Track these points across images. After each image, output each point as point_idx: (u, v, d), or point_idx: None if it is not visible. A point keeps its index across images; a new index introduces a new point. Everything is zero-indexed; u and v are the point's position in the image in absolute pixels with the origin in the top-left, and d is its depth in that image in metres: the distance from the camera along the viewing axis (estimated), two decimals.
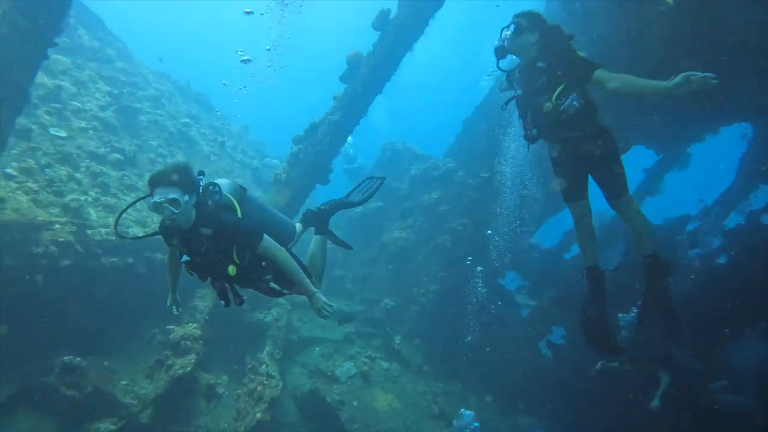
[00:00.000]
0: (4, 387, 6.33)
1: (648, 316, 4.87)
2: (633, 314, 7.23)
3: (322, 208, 4.62)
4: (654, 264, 4.55)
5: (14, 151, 7.90)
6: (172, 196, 3.21)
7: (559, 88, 4.02)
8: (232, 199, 3.63)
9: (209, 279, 3.66)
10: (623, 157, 4.39)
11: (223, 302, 3.83)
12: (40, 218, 7.11)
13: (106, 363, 7.48)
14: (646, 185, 11.13)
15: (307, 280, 3.72)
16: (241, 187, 3.81)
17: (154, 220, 8.72)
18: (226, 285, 3.75)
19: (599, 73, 3.93)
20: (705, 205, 10.82)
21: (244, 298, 3.90)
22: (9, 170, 7.43)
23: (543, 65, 4.14)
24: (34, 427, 6.26)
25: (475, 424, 8.13)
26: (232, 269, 3.46)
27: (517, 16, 4.23)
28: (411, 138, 15.83)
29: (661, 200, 11.46)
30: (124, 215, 3.73)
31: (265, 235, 3.55)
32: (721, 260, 9.11)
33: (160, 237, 3.51)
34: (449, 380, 10.56)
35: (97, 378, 7.00)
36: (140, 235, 3.67)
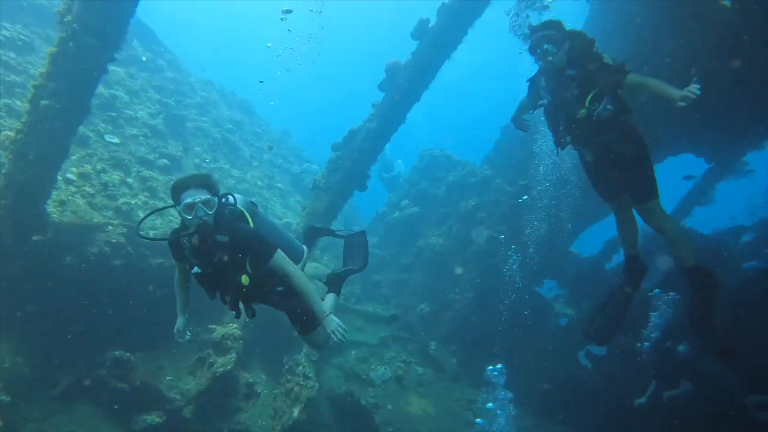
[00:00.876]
0: (63, 378, 6.76)
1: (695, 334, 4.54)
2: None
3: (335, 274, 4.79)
4: (698, 277, 4.27)
5: (74, 157, 8.42)
6: (206, 197, 3.32)
7: (591, 94, 4.01)
8: (245, 211, 3.69)
9: (218, 295, 3.62)
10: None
11: (234, 312, 3.75)
12: (95, 220, 7.56)
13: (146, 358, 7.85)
14: (695, 194, 10.76)
15: (320, 301, 3.65)
16: (252, 202, 3.89)
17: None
18: (237, 298, 3.62)
19: (632, 78, 3.94)
20: (737, 222, 10.35)
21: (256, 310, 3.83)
22: (69, 175, 7.93)
23: (573, 72, 4.10)
24: (87, 416, 6.66)
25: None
26: (245, 278, 3.46)
27: (543, 28, 4.20)
28: (451, 143, 15.89)
29: (713, 210, 11.08)
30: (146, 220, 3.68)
31: (279, 249, 3.56)
32: None
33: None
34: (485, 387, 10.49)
35: (144, 373, 7.36)
36: (159, 236, 3.77)
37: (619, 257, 11.90)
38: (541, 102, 4.43)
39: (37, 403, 6.37)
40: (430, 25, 7.82)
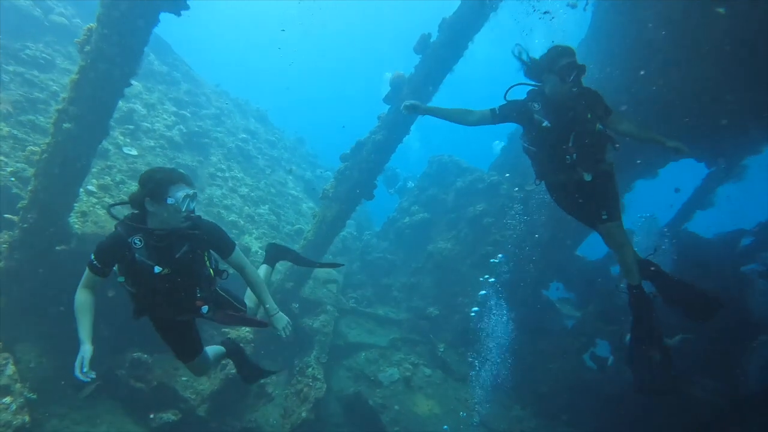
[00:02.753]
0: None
1: (639, 349, 4.72)
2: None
3: (283, 248, 4.93)
4: (640, 295, 4.51)
5: (94, 170, 8.90)
6: (194, 191, 3.32)
7: (591, 114, 4.30)
8: None
9: (165, 314, 3.56)
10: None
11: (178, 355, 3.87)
12: None
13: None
14: (696, 199, 10.85)
15: (271, 298, 3.74)
16: None
17: None
18: (193, 304, 3.56)
19: (615, 115, 4.29)
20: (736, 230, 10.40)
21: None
22: (90, 187, 8.40)
23: (577, 90, 4.24)
24: (108, 412, 7.09)
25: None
26: (211, 272, 3.56)
27: (569, 54, 4.23)
28: (460, 150, 16.11)
29: (713, 214, 11.13)
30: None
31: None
32: None
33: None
34: (492, 389, 10.70)
35: (161, 373, 7.77)
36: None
37: None
38: (540, 126, 4.35)
39: (60, 401, 6.81)
40: (431, 39, 8.06)
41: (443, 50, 7.92)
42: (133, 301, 3.50)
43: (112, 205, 3.62)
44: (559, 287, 12.73)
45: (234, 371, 8.19)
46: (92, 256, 3.33)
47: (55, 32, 11.94)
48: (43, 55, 10.90)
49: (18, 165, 8.04)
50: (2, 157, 8.04)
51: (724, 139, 8.93)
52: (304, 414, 8.23)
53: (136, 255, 3.28)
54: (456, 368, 11.06)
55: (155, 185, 3.20)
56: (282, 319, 3.69)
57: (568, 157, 4.34)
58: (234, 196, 12.26)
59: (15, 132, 8.70)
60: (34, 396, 6.08)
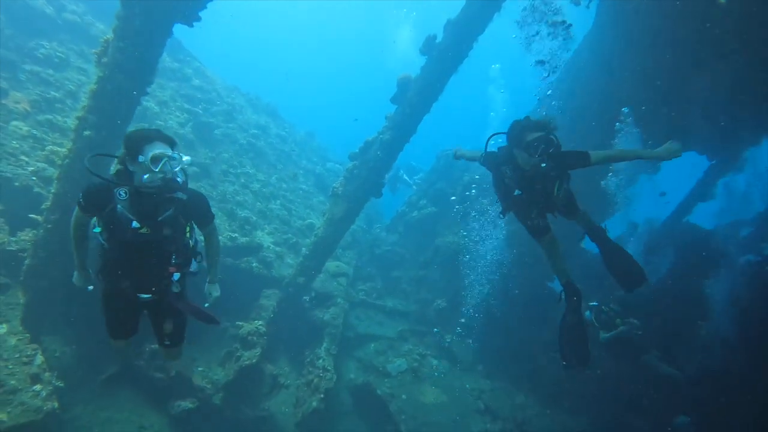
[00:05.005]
0: (109, 366, 7.60)
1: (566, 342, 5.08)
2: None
3: None
4: (573, 290, 4.87)
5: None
6: (173, 153, 3.28)
7: (558, 183, 4.50)
8: None
9: (131, 282, 3.54)
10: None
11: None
12: None
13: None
14: (698, 190, 10.95)
15: (218, 269, 4.25)
16: None
17: None
18: (155, 287, 3.61)
19: (595, 157, 4.37)
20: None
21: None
22: None
23: (545, 166, 4.30)
24: (129, 400, 7.48)
25: None
26: (189, 243, 3.65)
27: (540, 128, 4.29)
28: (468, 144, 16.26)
29: (715, 205, 11.25)
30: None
31: None
32: None
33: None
34: (497, 379, 10.95)
35: (179, 363, 8.13)
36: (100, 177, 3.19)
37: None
38: (512, 193, 4.62)
39: (84, 388, 7.19)
40: (437, 41, 8.21)
41: (449, 51, 8.07)
42: (102, 259, 3.49)
43: (99, 155, 3.82)
44: None
45: (248, 362, 8.57)
46: (80, 196, 3.36)
47: (68, 30, 12.22)
48: (58, 53, 11.18)
49: (39, 164, 8.35)
50: (24, 157, 8.37)
51: (728, 131, 8.99)
52: (314, 403, 8.55)
53: (118, 206, 3.28)
54: (462, 359, 11.35)
55: (129, 142, 3.24)
56: (216, 289, 4.26)
57: (532, 217, 4.72)
58: (246, 192, 12.55)
59: (34, 132, 9.01)
60: (62, 384, 6.45)
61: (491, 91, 16.79)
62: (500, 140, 4.80)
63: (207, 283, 4.23)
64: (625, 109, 8.77)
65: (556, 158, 4.29)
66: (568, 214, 4.81)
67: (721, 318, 8.61)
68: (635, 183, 10.37)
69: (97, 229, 3.38)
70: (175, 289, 3.68)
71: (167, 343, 4.10)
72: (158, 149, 3.20)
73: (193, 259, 3.81)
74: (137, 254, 3.42)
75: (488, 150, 4.79)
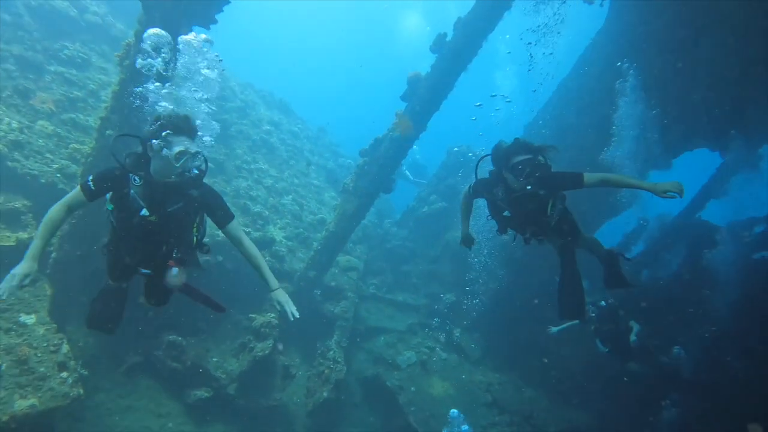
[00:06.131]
0: (127, 357, 7.92)
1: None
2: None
3: None
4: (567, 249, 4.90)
5: None
6: (197, 150, 3.30)
7: (551, 203, 4.43)
8: None
9: (133, 259, 3.55)
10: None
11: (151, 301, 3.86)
12: None
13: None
14: (709, 188, 10.97)
15: (270, 272, 3.73)
16: None
17: None
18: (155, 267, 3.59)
19: (588, 179, 4.25)
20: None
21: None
22: None
23: (543, 192, 4.33)
24: (148, 388, 7.82)
25: (464, 427, 8.49)
26: (195, 231, 3.60)
27: (527, 151, 4.24)
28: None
29: (728, 203, 11.25)
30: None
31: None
32: None
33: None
34: (505, 372, 11.13)
35: (194, 354, 8.43)
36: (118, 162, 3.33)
37: (637, 248, 12.25)
38: (503, 214, 4.60)
39: (106, 376, 7.54)
40: (447, 39, 8.35)
41: (458, 49, 8.20)
42: (110, 236, 3.57)
43: (124, 135, 3.70)
44: None
45: (260, 354, 8.82)
46: (89, 179, 3.32)
47: (90, 31, 12.55)
48: (80, 54, 11.50)
49: (63, 162, 8.67)
50: (49, 155, 8.70)
51: (739, 126, 9.01)
52: (325, 394, 8.82)
53: (132, 191, 3.30)
54: (471, 352, 11.54)
55: (156, 128, 3.20)
56: (283, 295, 3.70)
57: (527, 237, 4.76)
58: (259, 188, 12.80)
59: (59, 130, 9.34)
60: (86, 372, 6.78)
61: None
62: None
63: (270, 293, 3.75)
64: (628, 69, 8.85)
65: (545, 180, 4.25)
66: (565, 235, 4.69)
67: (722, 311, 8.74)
68: (646, 179, 10.41)
69: (110, 207, 3.40)
70: (171, 279, 3.59)
71: (153, 302, 3.99)
72: (183, 145, 3.21)
73: (198, 255, 3.80)
74: (143, 238, 3.45)
75: (478, 176, 4.77)
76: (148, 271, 3.64)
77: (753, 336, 8.17)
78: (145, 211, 3.29)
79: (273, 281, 3.70)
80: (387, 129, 9.30)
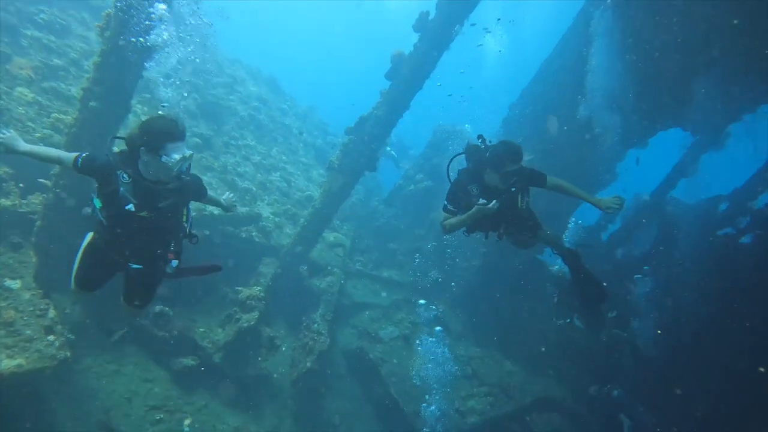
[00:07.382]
0: (115, 324, 8.03)
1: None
2: None
3: None
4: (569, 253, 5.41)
5: None
6: (190, 153, 3.40)
7: (520, 196, 4.76)
8: None
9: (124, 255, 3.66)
10: None
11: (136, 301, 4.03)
12: None
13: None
14: (681, 167, 11.22)
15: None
16: None
17: None
18: (155, 256, 3.73)
19: (550, 182, 4.77)
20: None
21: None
22: None
23: (515, 190, 4.64)
24: (135, 355, 7.92)
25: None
26: (185, 219, 3.74)
27: (513, 161, 4.40)
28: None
29: (698, 181, 11.53)
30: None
31: None
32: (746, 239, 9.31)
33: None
34: (485, 347, 11.44)
35: (181, 324, 8.57)
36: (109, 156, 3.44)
37: (614, 226, 12.55)
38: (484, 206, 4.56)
39: (92, 343, 7.63)
40: (430, 18, 8.39)
41: (441, 28, 8.25)
42: (98, 233, 3.69)
43: (115, 137, 3.66)
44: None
45: (246, 325, 8.98)
46: (81, 159, 3.42)
47: None
48: (59, 20, 11.19)
49: (45, 131, 8.58)
50: (30, 123, 8.63)
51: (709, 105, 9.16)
52: (309, 364, 9.05)
53: (121, 188, 3.35)
54: (453, 328, 11.82)
55: (152, 139, 3.23)
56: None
57: (500, 233, 5.06)
58: (247, 164, 12.84)
59: (39, 99, 9.17)
60: (73, 336, 6.91)
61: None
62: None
63: (223, 200, 4.42)
64: None
65: (522, 183, 4.65)
66: (529, 230, 5.01)
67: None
68: (622, 158, 10.63)
69: (98, 204, 3.46)
70: (170, 270, 3.75)
71: (137, 303, 4.13)
72: (180, 151, 3.27)
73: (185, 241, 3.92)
74: (135, 235, 3.52)
75: (450, 176, 4.99)
76: (138, 266, 3.72)
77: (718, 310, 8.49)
78: (131, 206, 3.35)
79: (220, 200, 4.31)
80: (371, 107, 9.38)
